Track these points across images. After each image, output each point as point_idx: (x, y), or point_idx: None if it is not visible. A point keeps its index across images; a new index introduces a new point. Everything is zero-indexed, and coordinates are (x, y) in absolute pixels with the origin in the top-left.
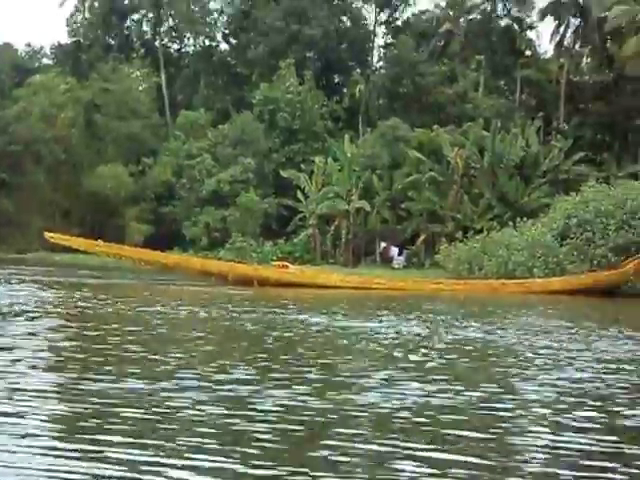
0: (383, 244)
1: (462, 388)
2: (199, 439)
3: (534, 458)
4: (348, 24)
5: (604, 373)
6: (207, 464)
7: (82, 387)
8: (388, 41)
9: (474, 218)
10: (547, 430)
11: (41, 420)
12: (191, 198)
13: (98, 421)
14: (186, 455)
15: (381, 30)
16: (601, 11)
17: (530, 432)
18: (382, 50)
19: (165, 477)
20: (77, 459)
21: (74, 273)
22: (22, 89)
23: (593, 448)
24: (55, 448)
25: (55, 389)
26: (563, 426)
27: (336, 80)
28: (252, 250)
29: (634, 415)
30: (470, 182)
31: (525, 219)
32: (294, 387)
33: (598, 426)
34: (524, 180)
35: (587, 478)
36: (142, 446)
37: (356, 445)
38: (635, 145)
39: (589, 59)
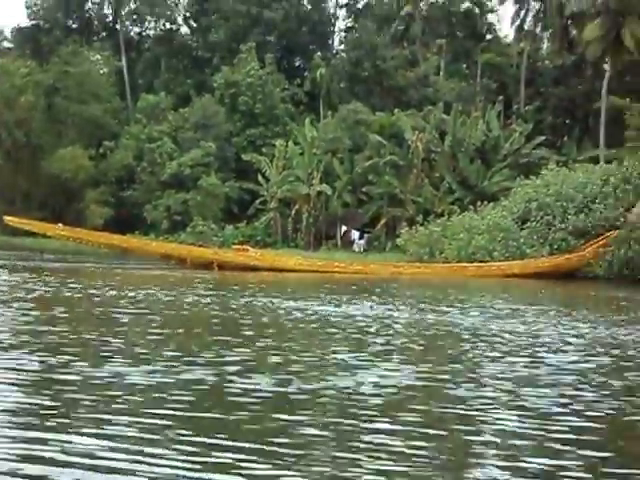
0: (344, 228)
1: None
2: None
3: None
4: (309, 7)
5: (571, 355)
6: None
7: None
8: (349, 24)
9: (435, 202)
10: (508, 413)
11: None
12: (152, 182)
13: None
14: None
15: (342, 13)
16: None
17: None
18: (343, 34)
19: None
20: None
21: (36, 257)
22: None
23: (552, 433)
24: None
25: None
26: (525, 408)
27: (297, 63)
28: (213, 234)
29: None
30: (431, 166)
31: (486, 203)
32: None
33: (558, 409)
34: (485, 164)
35: (548, 463)
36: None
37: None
38: (595, 129)
39: (550, 43)
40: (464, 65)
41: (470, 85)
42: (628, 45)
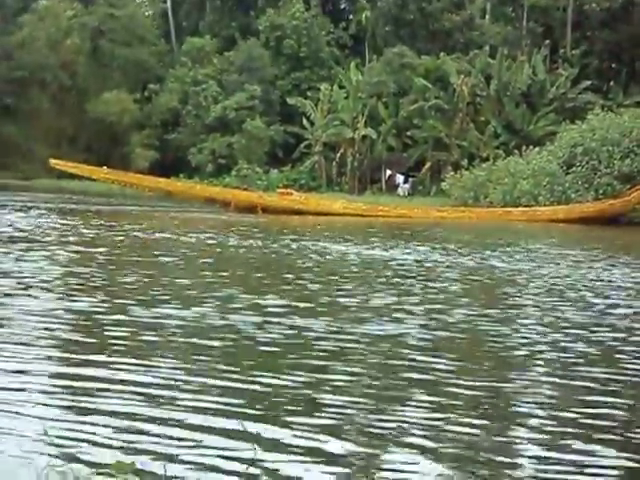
0: (389, 172)
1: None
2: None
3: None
4: None
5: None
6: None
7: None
8: None
9: (480, 146)
10: (534, 367)
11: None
12: (197, 125)
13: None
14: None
15: None
16: None
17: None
18: None
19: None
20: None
21: (82, 200)
22: (27, 15)
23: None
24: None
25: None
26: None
27: (342, 6)
28: (258, 177)
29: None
30: (476, 110)
31: (531, 147)
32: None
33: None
34: (530, 108)
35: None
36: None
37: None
38: None
39: None
40: (510, 8)
41: (516, 29)
42: None
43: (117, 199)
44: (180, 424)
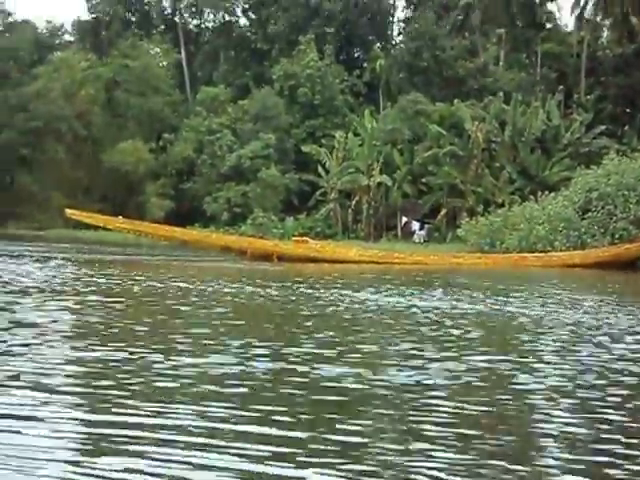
0: (404, 218)
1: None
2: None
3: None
4: None
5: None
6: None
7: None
8: (408, 15)
9: (495, 192)
10: (561, 411)
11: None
12: (212, 174)
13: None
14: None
15: (401, 3)
16: None
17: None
18: (402, 24)
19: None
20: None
21: (97, 250)
22: (42, 66)
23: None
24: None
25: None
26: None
27: (356, 54)
28: (273, 226)
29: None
30: (491, 156)
31: (546, 193)
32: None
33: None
34: (545, 153)
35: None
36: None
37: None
38: None
39: (610, 32)
40: (524, 55)
41: (530, 75)
42: None
43: (132, 249)
44: (196, 466)
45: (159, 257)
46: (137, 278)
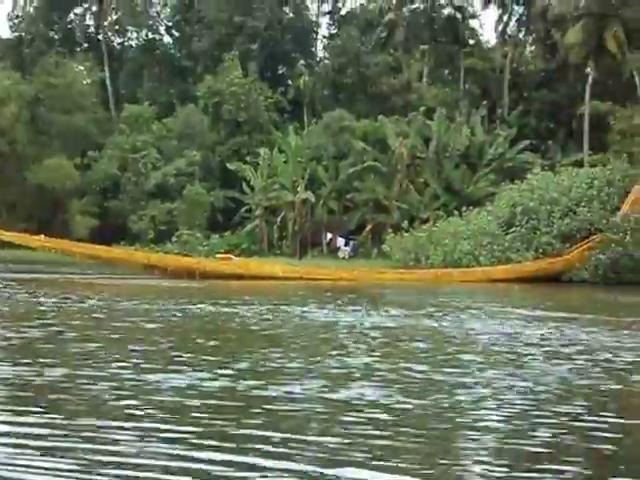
0: (330, 235)
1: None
2: None
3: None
4: (291, 15)
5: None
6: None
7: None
8: (332, 32)
9: (420, 208)
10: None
11: None
12: (137, 191)
13: None
14: None
15: (325, 21)
16: None
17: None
18: (326, 41)
19: None
20: None
21: (19, 269)
22: None
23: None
24: None
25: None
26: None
27: (280, 72)
28: (199, 243)
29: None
30: (416, 172)
31: (471, 208)
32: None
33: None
34: (470, 169)
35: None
36: None
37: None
38: (579, 133)
39: (533, 48)
40: (447, 71)
41: (454, 91)
42: (610, 49)
43: (54, 267)
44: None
45: (79, 275)
46: (63, 297)
